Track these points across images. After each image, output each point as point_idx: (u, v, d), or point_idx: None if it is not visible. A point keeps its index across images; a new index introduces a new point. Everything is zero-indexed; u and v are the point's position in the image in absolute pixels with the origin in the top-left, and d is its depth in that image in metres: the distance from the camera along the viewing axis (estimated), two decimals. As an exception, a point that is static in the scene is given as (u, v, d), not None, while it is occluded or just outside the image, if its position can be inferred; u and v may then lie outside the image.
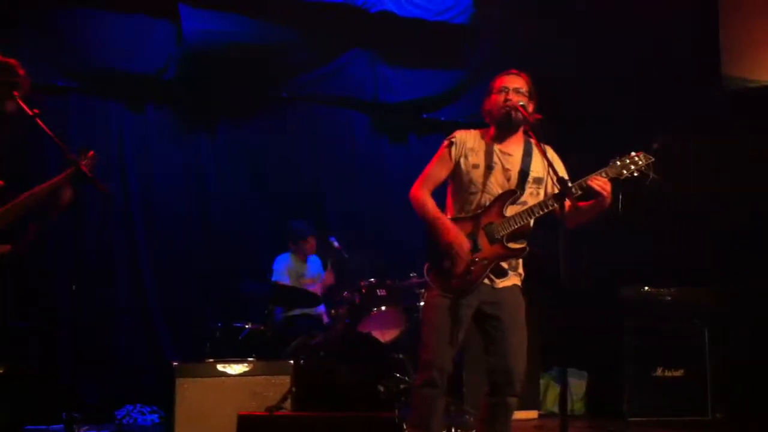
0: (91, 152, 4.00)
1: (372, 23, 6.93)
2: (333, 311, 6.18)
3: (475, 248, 3.67)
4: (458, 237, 3.68)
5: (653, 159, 3.68)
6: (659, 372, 6.06)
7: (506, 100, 3.72)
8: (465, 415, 5.61)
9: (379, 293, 5.77)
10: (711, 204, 6.36)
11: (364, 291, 5.75)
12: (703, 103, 6.58)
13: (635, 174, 3.68)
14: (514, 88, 3.75)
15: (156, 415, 5.88)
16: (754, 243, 6.20)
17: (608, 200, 3.63)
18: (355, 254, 6.19)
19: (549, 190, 3.84)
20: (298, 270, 6.52)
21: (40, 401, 5.48)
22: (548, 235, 4.14)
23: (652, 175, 3.69)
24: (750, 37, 6.93)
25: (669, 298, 6.21)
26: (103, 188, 3.65)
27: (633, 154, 3.70)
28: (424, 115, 7.41)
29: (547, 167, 3.73)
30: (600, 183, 3.61)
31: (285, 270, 6.41)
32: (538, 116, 3.66)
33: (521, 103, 3.70)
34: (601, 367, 6.50)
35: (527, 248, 3.73)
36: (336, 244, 6.29)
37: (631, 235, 6.61)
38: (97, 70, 6.26)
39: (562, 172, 3.78)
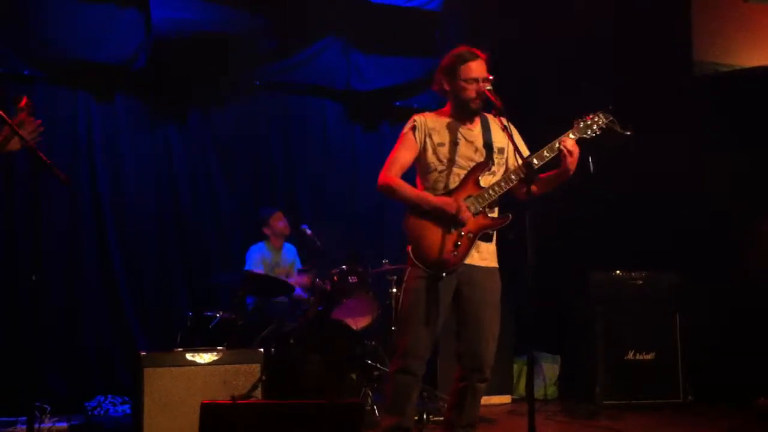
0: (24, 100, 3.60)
1: (344, 10, 6.90)
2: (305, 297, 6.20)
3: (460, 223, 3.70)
4: (446, 199, 3.72)
5: (612, 117, 3.76)
6: (631, 356, 6.09)
7: (478, 92, 3.75)
8: (439, 401, 5.63)
9: (351, 280, 5.76)
10: (684, 188, 6.39)
11: (335, 278, 5.74)
12: (675, 87, 6.60)
13: (598, 133, 3.76)
14: (483, 78, 3.76)
15: (128, 406, 5.84)
16: (725, 227, 6.23)
17: (574, 164, 3.69)
18: (328, 242, 6.17)
19: (511, 158, 3.90)
20: (273, 259, 6.49)
21: (7, 393, 5.46)
22: (516, 218, 4.15)
23: (618, 130, 3.75)
24: (722, 22, 6.96)
25: (640, 282, 6.23)
26: (60, 175, 3.59)
27: (591, 114, 3.79)
28: (397, 103, 7.39)
29: (507, 137, 3.80)
30: (569, 144, 3.68)
31: (259, 260, 6.38)
32: (499, 103, 3.67)
33: (488, 88, 3.72)
34: (574, 351, 6.53)
35: (510, 216, 3.77)
36: (309, 232, 6.27)
37: (601, 219, 6.65)
38: (64, 60, 6.18)
39: (522, 145, 3.85)
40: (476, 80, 3.76)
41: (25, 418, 5.16)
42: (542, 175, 3.77)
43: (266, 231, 6.48)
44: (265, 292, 6.13)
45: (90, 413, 5.74)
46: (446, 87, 3.85)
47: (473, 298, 3.76)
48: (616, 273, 6.24)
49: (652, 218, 6.51)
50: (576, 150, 3.69)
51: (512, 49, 6.55)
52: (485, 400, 6.27)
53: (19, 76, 6.10)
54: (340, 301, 5.66)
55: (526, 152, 3.88)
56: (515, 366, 6.65)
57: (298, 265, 6.62)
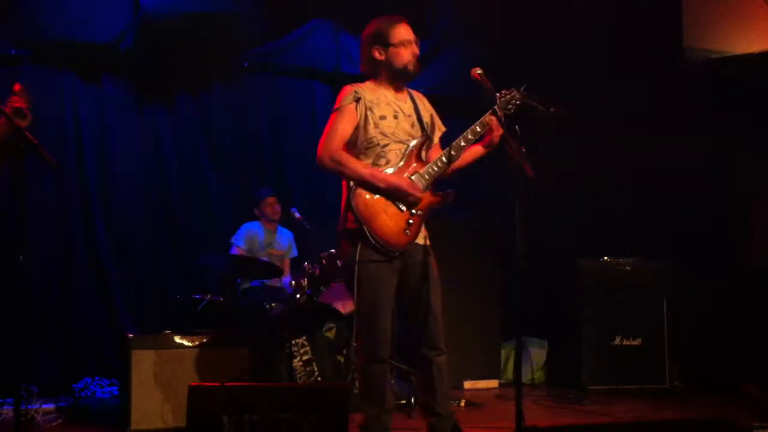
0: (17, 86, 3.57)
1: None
2: (294, 282, 6.16)
3: None
4: (403, 178, 3.66)
5: (527, 94, 3.79)
6: (618, 341, 6.12)
7: (414, 54, 3.74)
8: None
9: (339, 264, 5.73)
10: (670, 175, 6.40)
11: (324, 262, 5.71)
12: (667, 76, 6.60)
13: (515, 109, 3.78)
14: (415, 40, 3.76)
15: (115, 388, 5.86)
16: (711, 214, 6.25)
17: (496, 140, 3.70)
18: (316, 225, 6.15)
19: (435, 133, 3.91)
20: (266, 240, 6.43)
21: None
22: (505, 204, 4.15)
23: (539, 107, 3.79)
24: (713, 9, 6.94)
25: (628, 269, 6.25)
26: (48, 158, 3.54)
27: (506, 90, 3.79)
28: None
29: (429, 110, 3.87)
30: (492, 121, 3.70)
31: (246, 236, 6.30)
32: (490, 85, 3.65)
33: (479, 72, 3.66)
34: (561, 336, 6.56)
35: (454, 192, 3.76)
36: (297, 215, 6.24)
37: (590, 205, 6.66)
38: (51, 39, 6.10)
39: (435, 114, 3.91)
40: (410, 42, 3.73)
41: (12, 399, 5.17)
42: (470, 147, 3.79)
43: (257, 212, 6.46)
44: (254, 274, 6.11)
45: (77, 395, 5.74)
46: (379, 57, 3.74)
47: (421, 278, 3.70)
48: (604, 259, 6.25)
49: (641, 205, 6.53)
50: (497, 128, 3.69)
51: (512, 49, 6.56)
52: (473, 384, 6.38)
53: (5, 56, 6.04)
54: (329, 285, 5.65)
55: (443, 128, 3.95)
56: (503, 351, 6.69)
57: (294, 252, 6.59)
